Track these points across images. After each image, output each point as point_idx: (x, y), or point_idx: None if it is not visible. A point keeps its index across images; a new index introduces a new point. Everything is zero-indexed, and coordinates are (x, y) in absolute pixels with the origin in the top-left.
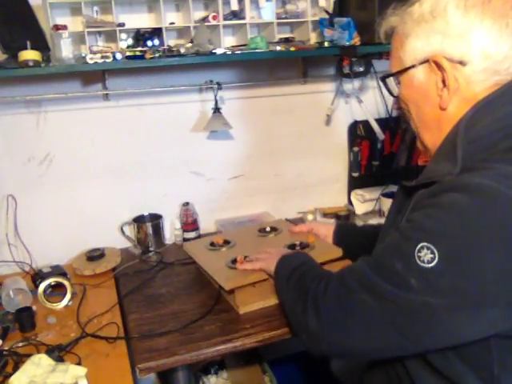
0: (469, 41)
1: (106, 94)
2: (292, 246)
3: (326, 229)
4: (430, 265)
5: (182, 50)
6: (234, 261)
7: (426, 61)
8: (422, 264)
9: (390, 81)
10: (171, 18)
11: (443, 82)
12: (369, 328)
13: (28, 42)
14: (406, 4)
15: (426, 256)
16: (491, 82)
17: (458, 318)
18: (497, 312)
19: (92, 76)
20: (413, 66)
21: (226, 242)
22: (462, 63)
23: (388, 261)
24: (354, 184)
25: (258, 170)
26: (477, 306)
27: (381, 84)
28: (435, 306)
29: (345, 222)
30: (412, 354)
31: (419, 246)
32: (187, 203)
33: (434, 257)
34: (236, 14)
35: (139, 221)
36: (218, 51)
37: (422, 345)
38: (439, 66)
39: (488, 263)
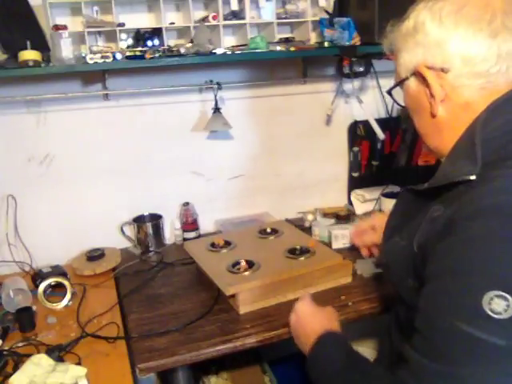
0: (446, 48)
1: (106, 94)
2: (292, 251)
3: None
4: (509, 313)
5: (182, 50)
6: (235, 264)
7: (414, 72)
8: (497, 316)
9: (395, 92)
10: (171, 18)
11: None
12: None
13: (28, 42)
14: (400, 20)
15: (500, 305)
16: (476, 85)
17: None
18: None
19: (92, 76)
20: (406, 78)
21: (227, 244)
22: (443, 70)
23: (453, 334)
24: (354, 184)
25: (258, 170)
26: None
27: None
28: None
29: None
30: None
31: (486, 297)
32: (187, 203)
33: (509, 302)
34: (236, 14)
35: (139, 221)
36: (218, 51)
37: None
38: (422, 76)
39: None
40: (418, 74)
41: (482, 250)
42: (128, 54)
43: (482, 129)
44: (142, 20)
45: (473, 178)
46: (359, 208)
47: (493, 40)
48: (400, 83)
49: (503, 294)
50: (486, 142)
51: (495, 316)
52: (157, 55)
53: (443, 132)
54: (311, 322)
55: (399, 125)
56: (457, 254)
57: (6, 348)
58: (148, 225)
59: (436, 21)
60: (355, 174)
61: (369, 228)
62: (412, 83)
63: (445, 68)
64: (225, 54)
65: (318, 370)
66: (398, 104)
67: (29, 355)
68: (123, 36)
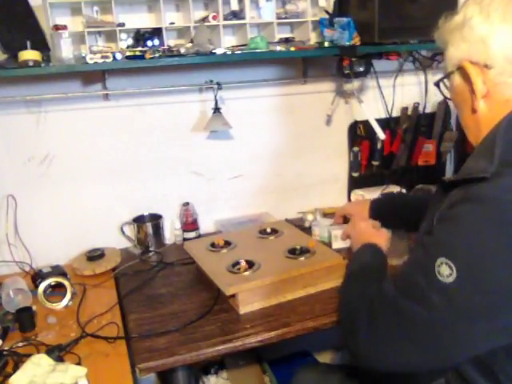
0: (490, 45)
1: (106, 94)
2: (292, 251)
3: (361, 206)
4: (449, 280)
5: (182, 50)
6: (235, 264)
7: (460, 67)
8: (442, 279)
9: (443, 86)
10: (171, 17)
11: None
12: (397, 348)
13: (28, 42)
14: (452, 14)
15: (446, 271)
16: None
17: (476, 332)
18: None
19: (92, 76)
20: (452, 72)
21: (227, 243)
22: (487, 67)
23: (413, 278)
24: (354, 184)
25: (258, 170)
26: (492, 318)
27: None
28: (454, 322)
29: (382, 196)
30: (441, 368)
31: (438, 261)
32: (187, 203)
33: (452, 272)
34: (236, 14)
35: (139, 221)
36: (218, 51)
37: (446, 360)
38: (465, 71)
39: (499, 274)
40: (461, 69)
41: (454, 227)
42: (128, 54)
43: (506, 129)
44: (142, 20)
45: (487, 175)
46: None
47: None
48: (446, 76)
49: (450, 263)
50: (508, 142)
51: (440, 278)
52: (157, 55)
53: (482, 128)
54: (368, 234)
55: (399, 125)
56: (442, 225)
57: (6, 348)
58: (148, 225)
59: (483, 16)
60: (355, 174)
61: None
62: (456, 77)
63: (488, 64)
64: (225, 53)
65: (350, 266)
66: (444, 96)
67: (29, 355)
68: (123, 36)
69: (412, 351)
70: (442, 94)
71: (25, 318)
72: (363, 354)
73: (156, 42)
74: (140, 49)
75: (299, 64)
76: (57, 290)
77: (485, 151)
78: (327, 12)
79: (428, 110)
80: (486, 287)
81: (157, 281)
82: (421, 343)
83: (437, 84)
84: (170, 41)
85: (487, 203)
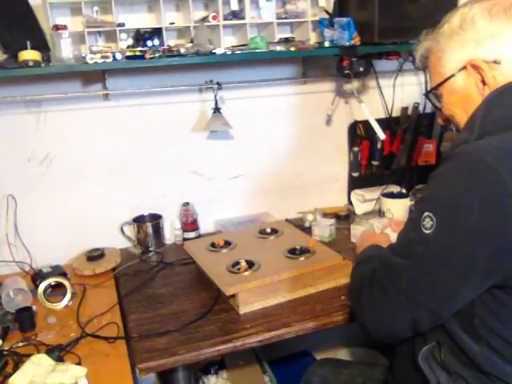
0: (498, 42)
1: (106, 94)
2: (292, 251)
3: None
4: (430, 231)
5: (182, 50)
6: (235, 264)
7: (464, 67)
8: (425, 231)
9: (432, 96)
10: (171, 17)
11: (483, 81)
12: (391, 306)
13: (28, 42)
14: (436, 28)
15: (428, 223)
16: None
17: (453, 276)
18: (484, 271)
19: (92, 76)
20: (452, 76)
21: (227, 243)
22: (496, 62)
23: (406, 236)
24: (353, 184)
25: (258, 170)
26: (467, 260)
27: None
28: (432, 268)
29: None
30: (432, 325)
31: (424, 215)
32: (187, 203)
33: (433, 223)
34: (236, 14)
35: (139, 221)
36: (218, 51)
37: (433, 313)
38: (478, 68)
39: (469, 221)
40: (469, 68)
41: (435, 183)
42: (128, 54)
43: (488, 105)
44: (142, 20)
45: (467, 144)
46: (359, 208)
47: None
48: (443, 82)
49: (432, 215)
50: (486, 118)
51: (424, 230)
52: (157, 55)
53: None
54: (373, 239)
55: (399, 125)
56: (428, 183)
57: (6, 348)
58: (148, 225)
59: (486, 18)
60: (355, 174)
61: None
62: (459, 79)
63: (497, 60)
64: (225, 53)
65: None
66: (434, 106)
67: (29, 355)
68: (123, 36)
69: (403, 308)
70: (433, 105)
71: (25, 318)
72: (365, 315)
73: (156, 42)
74: (140, 49)
75: (299, 64)
76: (57, 289)
77: (468, 127)
78: (327, 12)
79: (428, 110)
80: (458, 233)
81: (157, 281)
82: (408, 297)
83: (427, 95)
84: (170, 41)
85: (460, 158)
